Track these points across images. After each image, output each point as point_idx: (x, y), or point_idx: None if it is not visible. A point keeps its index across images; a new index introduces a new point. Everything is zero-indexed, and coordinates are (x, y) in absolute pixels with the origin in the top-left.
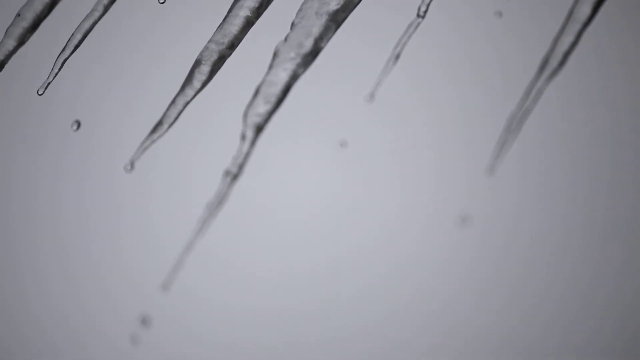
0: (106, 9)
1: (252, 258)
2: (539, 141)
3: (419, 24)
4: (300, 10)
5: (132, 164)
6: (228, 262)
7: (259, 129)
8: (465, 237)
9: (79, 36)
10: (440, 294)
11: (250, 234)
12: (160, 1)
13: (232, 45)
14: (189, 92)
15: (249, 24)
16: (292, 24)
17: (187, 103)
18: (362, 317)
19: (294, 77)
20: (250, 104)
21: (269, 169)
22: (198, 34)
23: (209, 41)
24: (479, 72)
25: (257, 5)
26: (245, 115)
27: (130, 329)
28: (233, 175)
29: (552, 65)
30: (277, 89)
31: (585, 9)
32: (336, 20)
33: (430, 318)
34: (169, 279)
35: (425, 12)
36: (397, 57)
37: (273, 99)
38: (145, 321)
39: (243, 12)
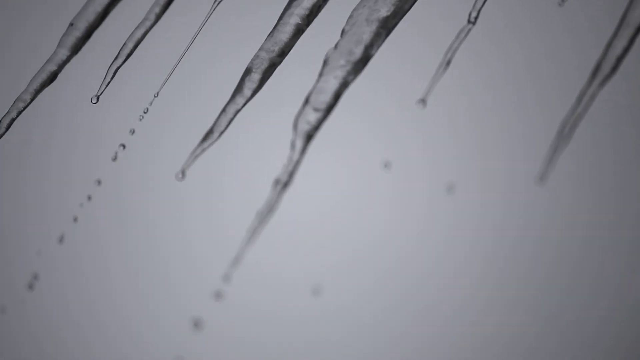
0: (158, 17)
1: (302, 266)
2: (590, 147)
3: (469, 30)
4: (350, 17)
5: (183, 173)
6: (277, 270)
7: (309, 137)
8: (518, 243)
9: (131, 45)
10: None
11: (300, 242)
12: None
13: (283, 53)
14: (240, 100)
15: (299, 31)
16: (343, 31)
17: (238, 111)
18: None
19: (344, 85)
20: (300, 112)
21: (320, 176)
22: (249, 42)
23: (260, 49)
24: (530, 77)
25: (307, 12)
26: (296, 123)
27: (180, 338)
28: (283, 184)
29: (604, 70)
30: (327, 97)
31: (639, 13)
32: (387, 26)
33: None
34: (220, 288)
35: (476, 18)
36: (448, 63)
37: (323, 107)
38: (197, 324)
39: (293, 19)
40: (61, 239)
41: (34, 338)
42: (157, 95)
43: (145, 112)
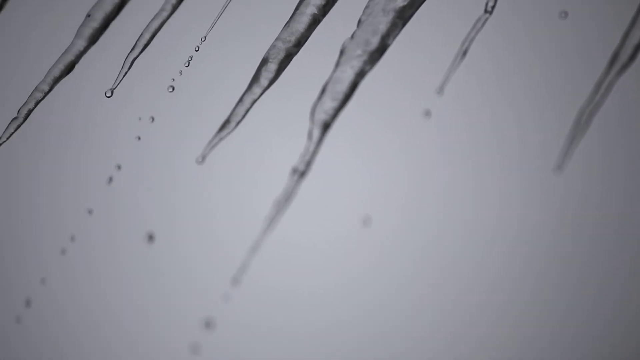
0: (174, 8)
1: (320, 255)
2: (607, 137)
3: (486, 19)
4: (366, 7)
5: (203, 157)
6: (296, 259)
7: (326, 126)
8: (533, 232)
9: (147, 35)
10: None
11: (317, 232)
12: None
13: (299, 43)
14: (257, 90)
15: (315, 21)
16: (359, 21)
17: (255, 101)
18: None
19: (360, 74)
20: (317, 102)
21: (337, 165)
22: (265, 32)
23: (276, 39)
24: (547, 67)
25: (323, 2)
26: (312, 112)
27: (193, 333)
28: (300, 173)
29: (622, 59)
30: (344, 86)
31: None
32: (403, 17)
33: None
34: (237, 277)
35: (493, 7)
36: (465, 53)
37: (340, 96)
38: (209, 325)
39: (309, 9)
40: (72, 239)
41: (51, 340)
42: (173, 89)
43: (160, 103)
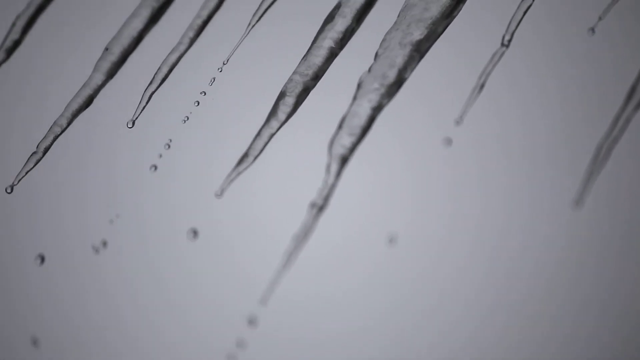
0: (191, 42)
1: (339, 288)
2: (626, 170)
3: (503, 52)
4: (383, 40)
5: (222, 191)
6: (315, 292)
7: (344, 160)
8: (552, 270)
9: (165, 69)
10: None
11: (336, 265)
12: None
13: (316, 77)
14: (274, 123)
15: (332, 55)
16: (376, 55)
17: (272, 135)
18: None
19: (378, 108)
20: (334, 136)
21: (355, 199)
22: (282, 66)
23: (293, 73)
24: (565, 101)
25: (340, 36)
26: (330, 146)
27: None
28: (319, 207)
29: (639, 93)
30: (361, 120)
31: None
32: (420, 50)
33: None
34: (256, 312)
35: (510, 41)
36: (482, 86)
37: (357, 131)
38: (230, 357)
39: (327, 43)
40: (97, 250)
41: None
42: (187, 119)
43: (179, 137)
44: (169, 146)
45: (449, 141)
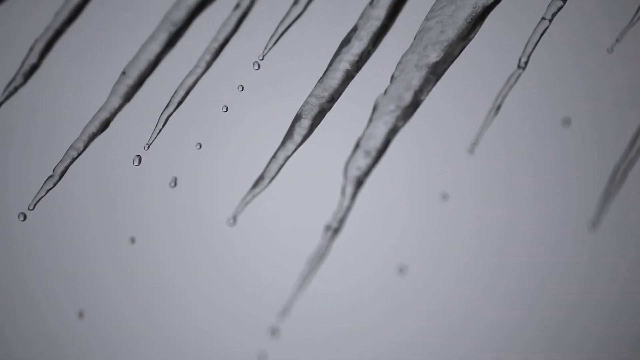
0: (208, 65)
1: (354, 311)
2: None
3: (519, 75)
4: (399, 63)
5: (234, 218)
6: (331, 315)
7: (359, 182)
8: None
9: (182, 92)
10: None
11: (351, 288)
12: (257, 62)
13: (332, 99)
14: (290, 146)
15: (348, 77)
16: (392, 77)
17: (288, 157)
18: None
19: (394, 130)
20: (350, 158)
21: (370, 222)
22: (299, 88)
23: (310, 95)
24: (581, 122)
25: (356, 58)
26: (346, 168)
27: None
28: (334, 230)
29: None
30: (377, 142)
31: None
32: (436, 72)
33: None
34: (274, 333)
35: (526, 63)
36: (498, 108)
37: (373, 153)
38: None
39: (343, 65)
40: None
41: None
42: (202, 143)
43: (195, 159)
44: (187, 168)
45: (471, 151)
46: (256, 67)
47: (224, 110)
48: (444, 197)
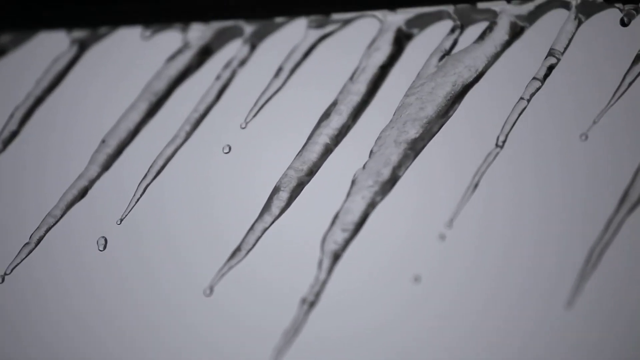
0: (188, 135)
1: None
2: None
3: (497, 153)
4: (379, 138)
5: (211, 289)
6: None
7: (336, 256)
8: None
9: (160, 162)
10: None
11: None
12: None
13: (311, 172)
14: (267, 218)
15: (327, 151)
16: (371, 152)
17: (265, 229)
18: None
19: (371, 205)
20: (327, 232)
21: (345, 295)
22: (277, 161)
23: (288, 168)
24: (557, 204)
25: (336, 132)
26: (323, 242)
27: None
28: (310, 303)
29: (632, 198)
30: (354, 217)
31: None
32: (415, 148)
33: None
34: None
35: (504, 142)
36: (476, 186)
37: (351, 227)
38: None
39: (322, 139)
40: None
41: None
42: (181, 212)
43: (172, 230)
44: (163, 238)
45: (442, 237)
46: (226, 151)
47: (205, 177)
48: (417, 279)
